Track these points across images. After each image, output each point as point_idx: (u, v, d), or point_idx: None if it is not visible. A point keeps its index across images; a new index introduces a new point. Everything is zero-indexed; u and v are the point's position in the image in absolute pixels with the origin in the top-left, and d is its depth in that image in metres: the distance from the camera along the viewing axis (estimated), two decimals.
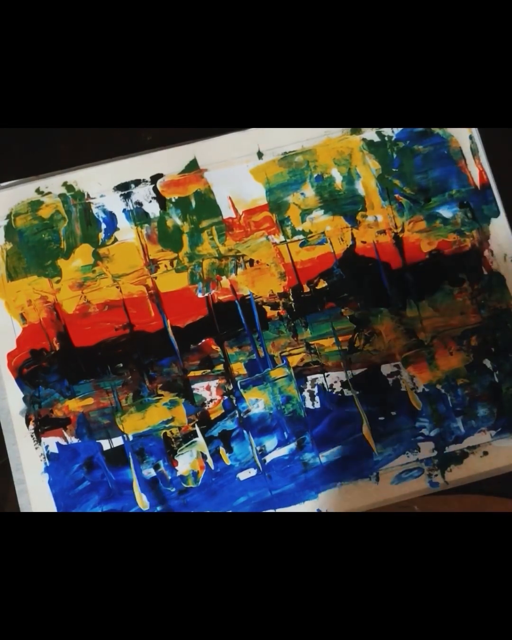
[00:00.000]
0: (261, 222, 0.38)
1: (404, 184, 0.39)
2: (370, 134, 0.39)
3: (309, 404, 0.37)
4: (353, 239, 0.38)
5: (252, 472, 0.37)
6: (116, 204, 0.38)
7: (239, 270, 0.38)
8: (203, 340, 0.38)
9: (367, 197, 0.38)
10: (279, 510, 0.37)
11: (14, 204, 0.38)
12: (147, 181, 0.38)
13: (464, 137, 0.39)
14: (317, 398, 0.37)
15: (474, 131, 0.39)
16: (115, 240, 0.38)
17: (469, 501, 0.36)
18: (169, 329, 0.38)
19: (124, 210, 0.38)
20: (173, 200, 0.38)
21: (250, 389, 0.37)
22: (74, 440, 0.37)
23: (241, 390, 0.37)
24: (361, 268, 0.38)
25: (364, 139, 0.39)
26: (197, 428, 0.37)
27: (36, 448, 0.37)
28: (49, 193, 0.38)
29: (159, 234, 0.38)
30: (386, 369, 0.38)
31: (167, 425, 0.37)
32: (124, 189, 0.38)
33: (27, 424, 0.37)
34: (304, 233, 0.38)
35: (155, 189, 0.38)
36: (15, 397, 0.37)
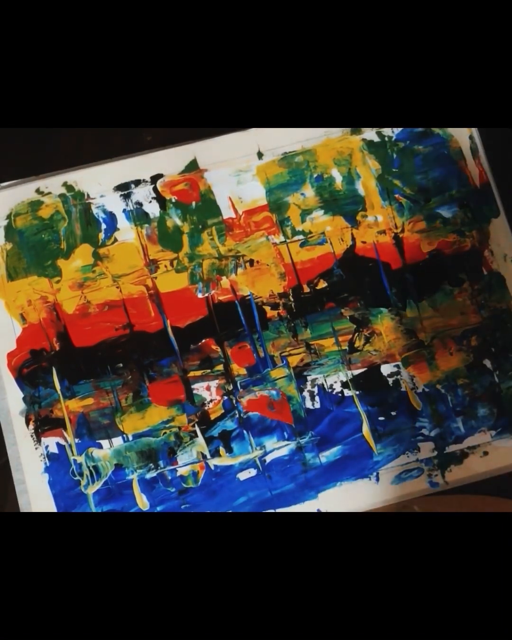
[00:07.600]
0: (261, 222, 0.38)
1: (404, 184, 0.39)
2: (370, 134, 0.39)
3: (309, 404, 0.37)
4: (353, 239, 0.38)
5: (252, 472, 0.37)
6: (116, 204, 0.38)
7: (239, 270, 0.38)
8: (203, 341, 0.38)
9: (367, 197, 0.38)
10: (279, 510, 0.37)
11: (14, 204, 0.38)
12: (147, 181, 0.38)
13: (464, 137, 0.39)
14: (317, 398, 0.37)
15: (474, 131, 0.39)
16: (115, 240, 0.38)
17: (469, 501, 0.36)
18: (169, 329, 0.38)
19: (124, 211, 0.38)
20: (173, 200, 0.38)
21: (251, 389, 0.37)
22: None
23: (241, 390, 0.37)
24: (361, 268, 0.38)
25: (364, 139, 0.39)
26: (197, 428, 0.37)
27: (36, 448, 0.37)
28: (49, 193, 0.38)
29: (159, 234, 0.38)
30: (386, 369, 0.38)
31: (167, 426, 0.37)
32: (124, 189, 0.38)
33: (27, 424, 0.37)
34: (304, 233, 0.38)
35: (155, 189, 0.38)
36: (15, 397, 0.37)
